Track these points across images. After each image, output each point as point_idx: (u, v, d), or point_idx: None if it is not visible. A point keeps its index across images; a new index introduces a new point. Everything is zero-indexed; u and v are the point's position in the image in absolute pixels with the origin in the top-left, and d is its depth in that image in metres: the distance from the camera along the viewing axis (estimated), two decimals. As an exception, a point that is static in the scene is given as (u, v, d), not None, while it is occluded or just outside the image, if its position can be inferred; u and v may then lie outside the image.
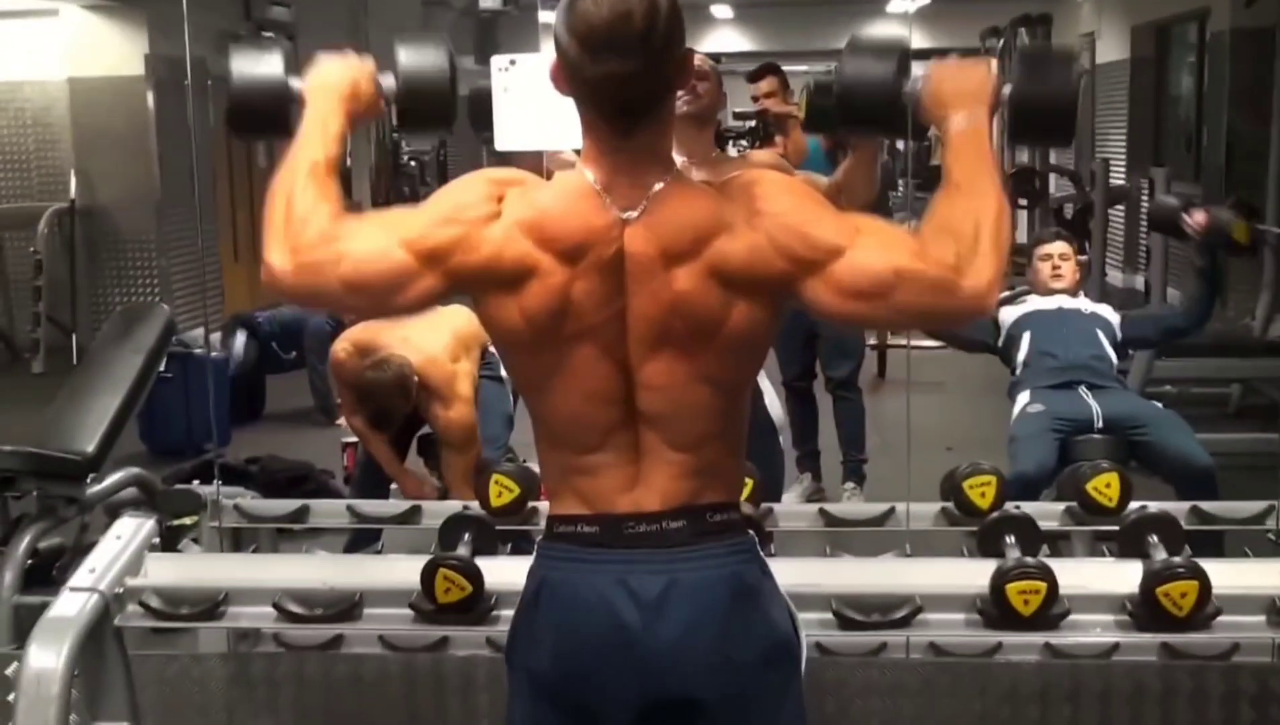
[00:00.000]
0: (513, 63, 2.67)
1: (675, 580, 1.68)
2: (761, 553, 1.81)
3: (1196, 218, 4.12)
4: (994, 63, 1.83)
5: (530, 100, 2.65)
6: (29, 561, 3.22)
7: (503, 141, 2.72)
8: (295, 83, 1.87)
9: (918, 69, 1.86)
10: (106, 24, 8.41)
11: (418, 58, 1.86)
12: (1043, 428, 3.93)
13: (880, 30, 13.40)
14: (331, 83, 1.83)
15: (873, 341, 7.50)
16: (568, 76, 1.66)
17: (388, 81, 1.88)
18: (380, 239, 1.67)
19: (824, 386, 5.37)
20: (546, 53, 2.57)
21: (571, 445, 1.72)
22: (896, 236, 1.67)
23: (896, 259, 1.63)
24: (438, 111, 1.92)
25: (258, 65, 1.87)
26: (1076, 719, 2.65)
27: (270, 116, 1.89)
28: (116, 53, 8.41)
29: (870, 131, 1.99)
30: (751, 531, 1.82)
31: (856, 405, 5.33)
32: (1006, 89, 1.80)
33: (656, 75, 1.63)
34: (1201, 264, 4.16)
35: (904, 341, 8.03)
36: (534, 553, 1.80)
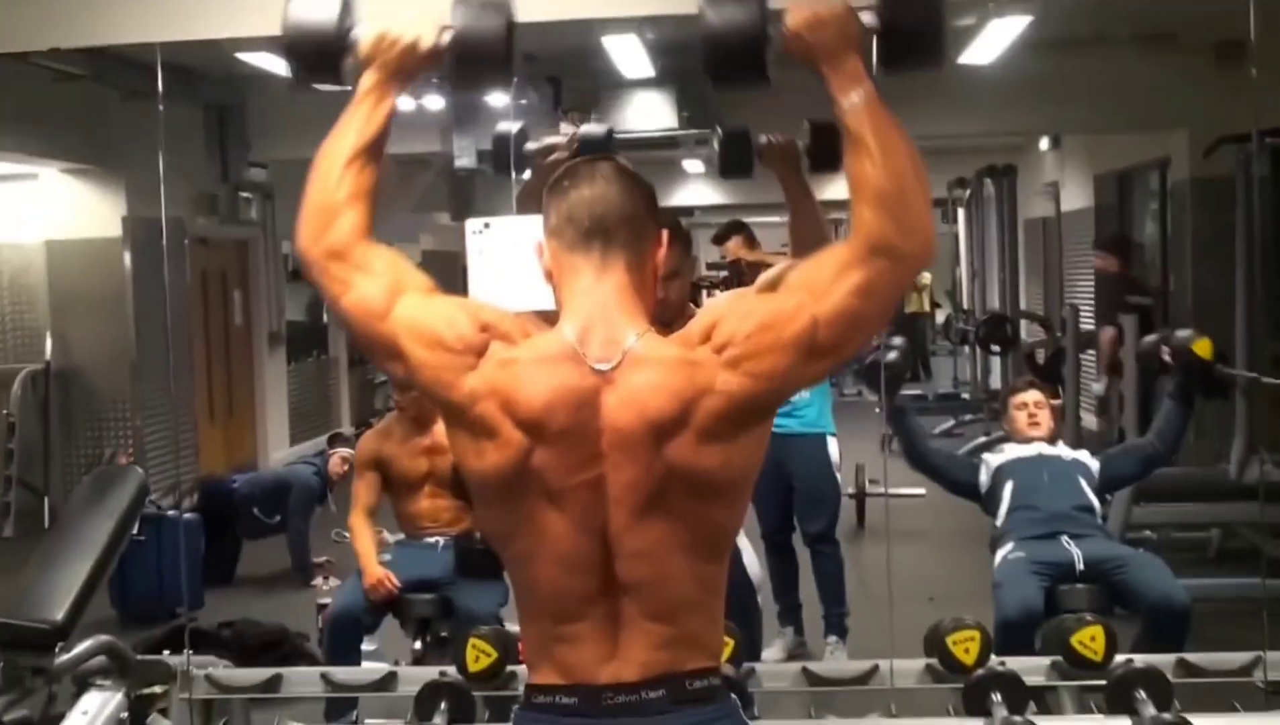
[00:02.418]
0: (487, 226, 2.71)
1: None
2: (744, 717, 1.78)
3: (1171, 345, 4.30)
4: None
5: (505, 262, 2.68)
6: (-5, 737, 3.12)
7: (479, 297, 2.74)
8: (356, 32, 1.87)
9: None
10: (85, 187, 8.50)
11: (476, 17, 1.86)
12: (1025, 571, 3.92)
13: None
14: (389, 47, 1.85)
15: (850, 491, 7.48)
16: (548, 230, 1.73)
17: (445, 37, 1.88)
18: (378, 302, 1.74)
19: (802, 540, 5.33)
20: (519, 216, 2.61)
21: (549, 614, 1.71)
22: (835, 261, 1.68)
23: (850, 281, 1.66)
24: (494, 66, 1.91)
25: (315, 9, 1.87)
26: None
27: (325, 63, 1.90)
28: (94, 215, 8.48)
29: (737, 82, 1.93)
30: (733, 695, 1.79)
31: (834, 559, 5.29)
32: (867, 17, 1.78)
33: (626, 201, 1.72)
34: (1171, 388, 4.25)
35: (881, 491, 8.07)
36: (511, 722, 1.77)
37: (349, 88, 1.91)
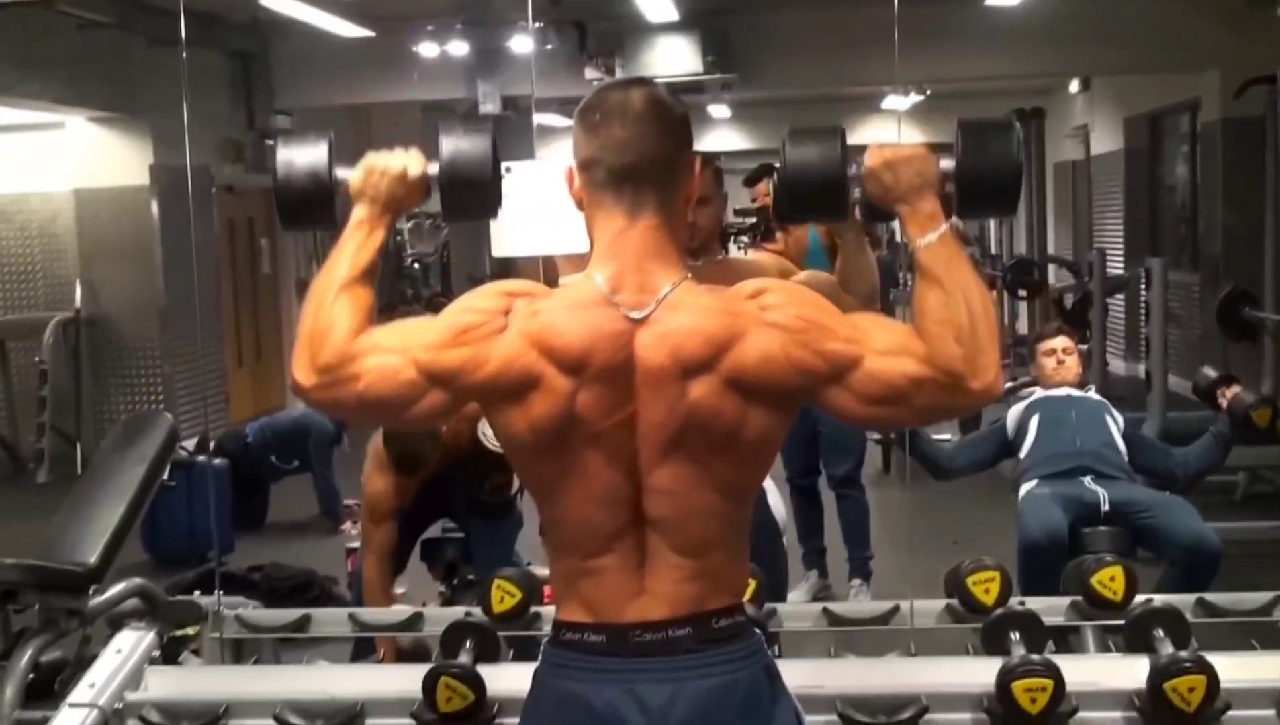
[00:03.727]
0: (509, 170, 2.70)
1: (683, 689, 1.67)
2: (769, 656, 1.80)
3: (1228, 393, 4.40)
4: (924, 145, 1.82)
5: (529, 207, 2.67)
6: (30, 676, 3.19)
7: (501, 248, 2.74)
8: (341, 173, 1.89)
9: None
10: (112, 135, 8.54)
11: (461, 145, 1.89)
12: (1049, 502, 3.94)
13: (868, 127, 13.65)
14: (378, 182, 1.85)
15: (876, 437, 7.50)
16: (578, 162, 1.72)
17: (433, 168, 1.89)
18: (394, 359, 1.71)
19: (827, 484, 5.35)
20: (542, 159, 2.61)
21: (578, 549, 1.72)
22: (903, 340, 1.67)
23: (908, 367, 1.65)
24: (480, 198, 1.94)
25: (302, 156, 1.90)
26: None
27: (315, 207, 1.91)
28: (121, 163, 8.53)
29: (818, 218, 1.98)
30: (759, 634, 1.81)
31: (860, 502, 5.30)
32: (947, 164, 1.80)
33: (658, 143, 1.70)
34: (1220, 428, 4.29)
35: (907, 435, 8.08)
36: (539, 658, 1.79)
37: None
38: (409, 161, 1.86)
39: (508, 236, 2.74)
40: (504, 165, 2.72)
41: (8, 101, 7.91)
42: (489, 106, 8.77)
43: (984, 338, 1.65)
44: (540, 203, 2.58)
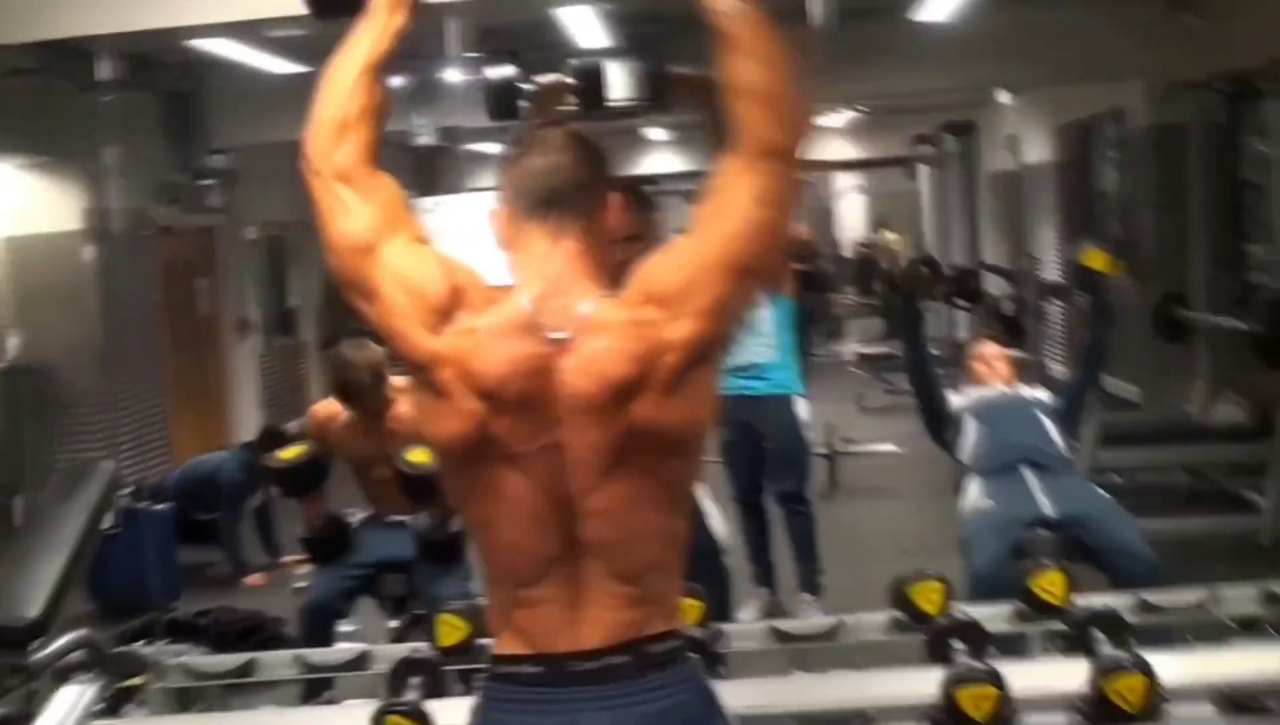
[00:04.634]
0: (437, 203, 2.72)
1: (622, 716, 1.68)
2: (707, 679, 1.81)
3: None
4: None
5: (456, 239, 2.69)
6: (-27, 735, 3.14)
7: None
8: None
9: None
10: (43, 181, 8.44)
11: None
12: (994, 526, 3.97)
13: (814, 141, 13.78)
14: None
15: (823, 450, 7.56)
16: (504, 199, 1.77)
17: None
18: (370, 235, 1.75)
19: (774, 500, 5.38)
20: (471, 193, 2.62)
21: (512, 579, 1.73)
22: (732, 181, 1.70)
23: (750, 194, 1.68)
24: None
25: None
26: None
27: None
28: (54, 209, 8.43)
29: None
30: (696, 657, 1.82)
31: (807, 517, 5.34)
32: None
33: (576, 170, 1.76)
34: (1089, 313, 4.55)
35: (856, 451, 8.15)
36: (478, 692, 1.79)
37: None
38: None
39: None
40: (432, 199, 2.73)
41: (-66, 152, 7.81)
42: (425, 138, 8.77)
43: (792, 94, 1.70)
44: (467, 234, 2.60)
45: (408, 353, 1.73)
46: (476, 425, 1.68)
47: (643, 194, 3.27)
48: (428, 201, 2.66)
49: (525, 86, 2.64)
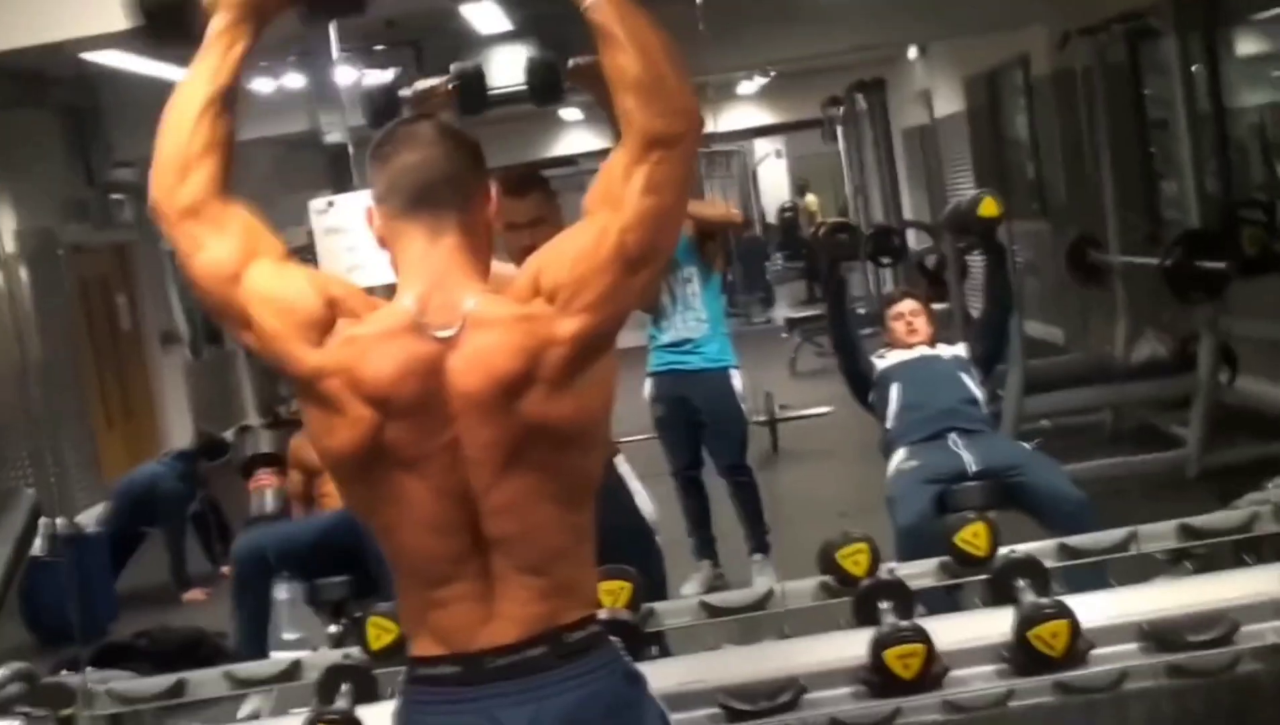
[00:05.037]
0: (331, 203, 2.70)
1: (543, 708, 1.67)
2: (629, 662, 1.80)
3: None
4: None
5: (353, 238, 2.67)
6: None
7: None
8: None
9: None
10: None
11: None
12: (917, 481, 4.00)
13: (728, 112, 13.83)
14: None
15: (761, 418, 7.60)
16: (375, 197, 1.72)
17: None
18: (232, 264, 1.70)
19: (716, 472, 5.40)
20: (364, 191, 2.60)
21: (421, 580, 1.71)
22: (620, 171, 1.67)
23: (640, 180, 1.65)
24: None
25: None
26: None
27: (174, 19, 1.85)
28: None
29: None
30: (617, 641, 1.81)
31: (750, 486, 5.37)
32: None
33: (449, 163, 1.72)
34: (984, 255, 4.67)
35: (790, 415, 8.20)
36: (397, 697, 1.78)
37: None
38: None
39: (336, 266, 2.73)
40: (325, 200, 2.70)
41: None
42: (335, 136, 8.65)
43: (671, 80, 1.67)
44: (364, 233, 2.57)
45: (293, 372, 1.69)
46: (370, 432, 1.65)
47: (542, 179, 3.26)
48: (319, 202, 2.62)
49: (404, 92, 2.62)
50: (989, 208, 4.46)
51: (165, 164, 1.74)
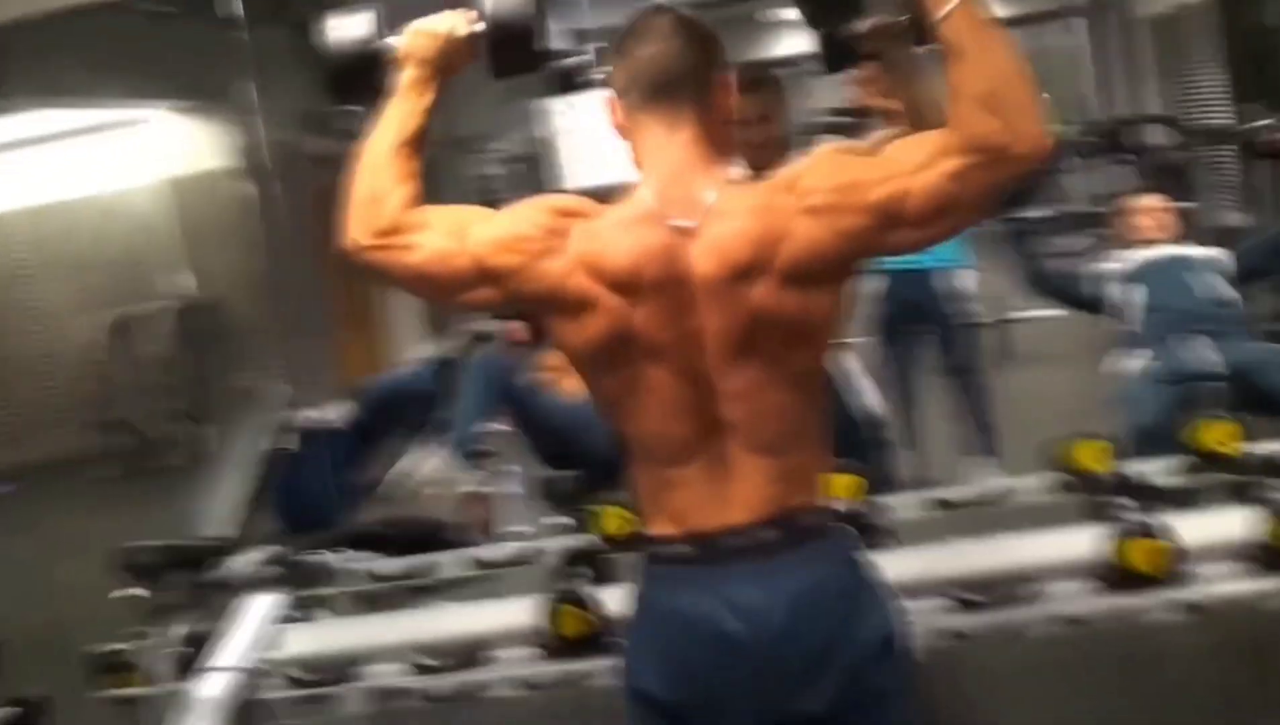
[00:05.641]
0: (571, 105, 2.73)
1: (776, 590, 1.70)
2: (859, 551, 1.81)
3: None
4: None
5: (592, 136, 2.69)
6: (180, 649, 3.34)
7: (572, 179, 2.77)
8: (391, 41, 1.93)
9: None
10: (198, 122, 8.70)
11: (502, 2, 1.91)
12: (1159, 381, 3.87)
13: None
14: (425, 44, 1.90)
15: (989, 319, 7.43)
16: (616, 90, 1.76)
17: (479, 26, 1.93)
18: (451, 244, 1.77)
19: (945, 373, 5.33)
20: (601, 91, 2.62)
21: (658, 461, 1.75)
22: (934, 144, 1.64)
23: (947, 167, 1.62)
24: (526, 50, 1.95)
25: (349, 27, 1.94)
26: (1224, 675, 2.57)
27: (364, 76, 1.94)
28: (212, 148, 8.69)
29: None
30: (849, 529, 1.83)
31: (979, 387, 5.31)
32: None
33: (686, 56, 1.73)
34: None
35: (1022, 316, 7.98)
36: (639, 577, 1.83)
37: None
38: (455, 20, 1.91)
39: (577, 167, 2.77)
40: (565, 100, 2.74)
41: (90, 103, 8.10)
42: (556, 43, 8.72)
43: (1020, 98, 1.60)
44: (603, 131, 2.60)
45: (542, 292, 1.73)
46: (621, 320, 1.69)
47: (769, 76, 3.21)
48: (559, 103, 2.66)
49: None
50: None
51: (358, 206, 1.81)
